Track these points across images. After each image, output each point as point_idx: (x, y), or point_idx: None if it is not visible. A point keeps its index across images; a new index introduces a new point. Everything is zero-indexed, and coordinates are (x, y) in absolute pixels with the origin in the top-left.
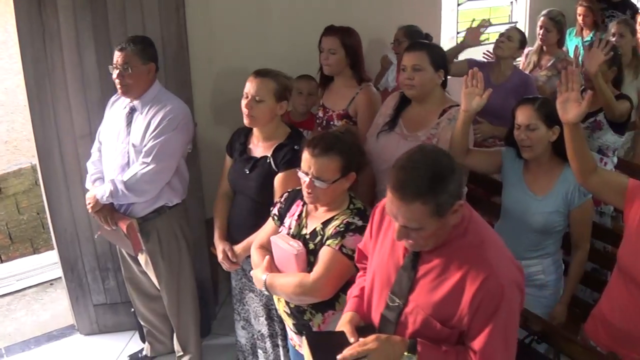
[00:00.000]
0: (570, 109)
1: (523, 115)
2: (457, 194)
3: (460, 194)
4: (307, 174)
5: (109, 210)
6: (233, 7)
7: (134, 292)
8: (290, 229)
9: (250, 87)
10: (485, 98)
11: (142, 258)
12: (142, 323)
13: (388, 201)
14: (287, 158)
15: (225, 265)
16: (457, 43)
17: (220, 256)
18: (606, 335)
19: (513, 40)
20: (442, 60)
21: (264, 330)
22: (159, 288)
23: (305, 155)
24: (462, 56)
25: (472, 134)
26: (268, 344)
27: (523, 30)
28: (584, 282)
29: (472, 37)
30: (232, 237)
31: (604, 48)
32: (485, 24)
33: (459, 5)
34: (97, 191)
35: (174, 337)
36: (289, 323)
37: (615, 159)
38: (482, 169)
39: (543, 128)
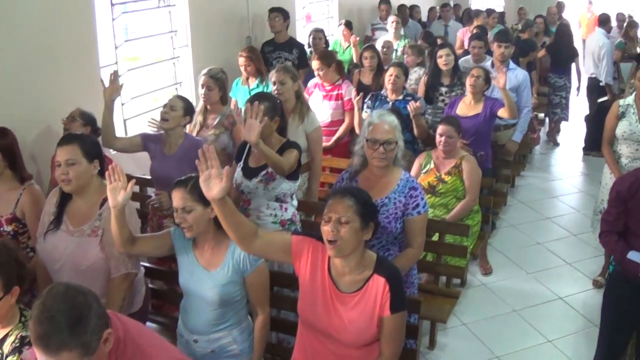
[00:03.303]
0: (213, 186)
1: (177, 199)
2: (102, 325)
3: (106, 322)
4: None
5: None
6: None
7: None
8: None
9: None
10: (130, 191)
11: None
12: None
13: (36, 353)
14: None
15: None
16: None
17: None
18: None
19: (176, 109)
20: (95, 150)
21: None
22: None
23: None
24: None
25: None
26: None
27: (189, 91)
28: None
29: (110, 92)
30: None
31: (257, 116)
32: (115, 75)
33: (120, 76)
34: None
35: None
36: None
37: (295, 202)
38: (154, 254)
39: (199, 207)
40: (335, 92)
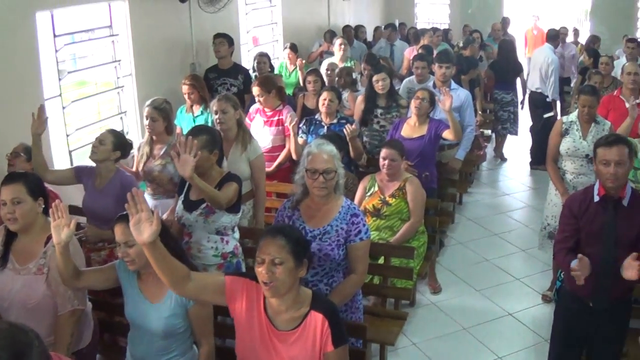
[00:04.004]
0: (144, 230)
1: (119, 234)
2: None
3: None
4: None
5: None
6: None
7: None
8: None
9: None
10: (73, 227)
11: None
12: None
13: None
14: None
15: None
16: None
17: None
18: None
19: (105, 143)
20: (39, 188)
21: None
22: None
23: None
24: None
25: None
26: None
27: (134, 120)
28: None
29: (36, 126)
30: None
31: (191, 150)
32: (43, 111)
33: (64, 107)
34: None
35: None
36: None
37: (237, 235)
38: (100, 287)
39: None
40: (276, 118)
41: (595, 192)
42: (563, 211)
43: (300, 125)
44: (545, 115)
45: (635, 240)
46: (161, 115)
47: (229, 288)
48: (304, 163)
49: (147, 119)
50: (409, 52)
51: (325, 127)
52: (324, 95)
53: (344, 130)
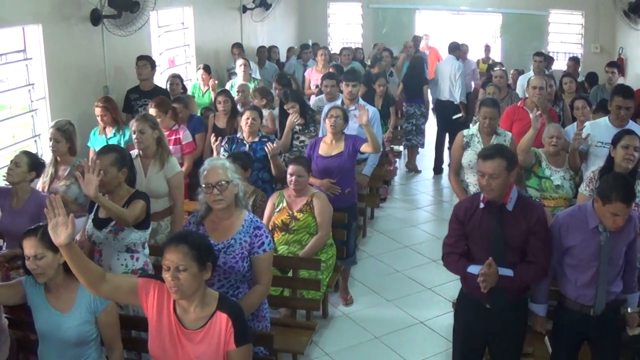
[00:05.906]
0: (60, 233)
1: (29, 247)
2: None
3: None
4: None
5: None
6: None
7: None
8: None
9: None
10: None
11: None
12: None
13: None
14: None
15: None
16: None
17: None
18: None
19: (21, 165)
20: None
21: None
22: None
23: None
24: None
25: None
26: None
27: (47, 143)
28: None
29: None
30: None
31: (94, 170)
32: None
33: None
34: None
35: None
36: None
37: (147, 251)
38: (8, 302)
39: (50, 254)
40: (173, 137)
41: (481, 198)
42: (451, 217)
43: (223, 144)
44: (454, 117)
45: (523, 243)
46: (64, 137)
47: (141, 288)
48: (200, 181)
49: (50, 141)
50: (308, 73)
51: (247, 145)
52: (247, 114)
53: (266, 148)
